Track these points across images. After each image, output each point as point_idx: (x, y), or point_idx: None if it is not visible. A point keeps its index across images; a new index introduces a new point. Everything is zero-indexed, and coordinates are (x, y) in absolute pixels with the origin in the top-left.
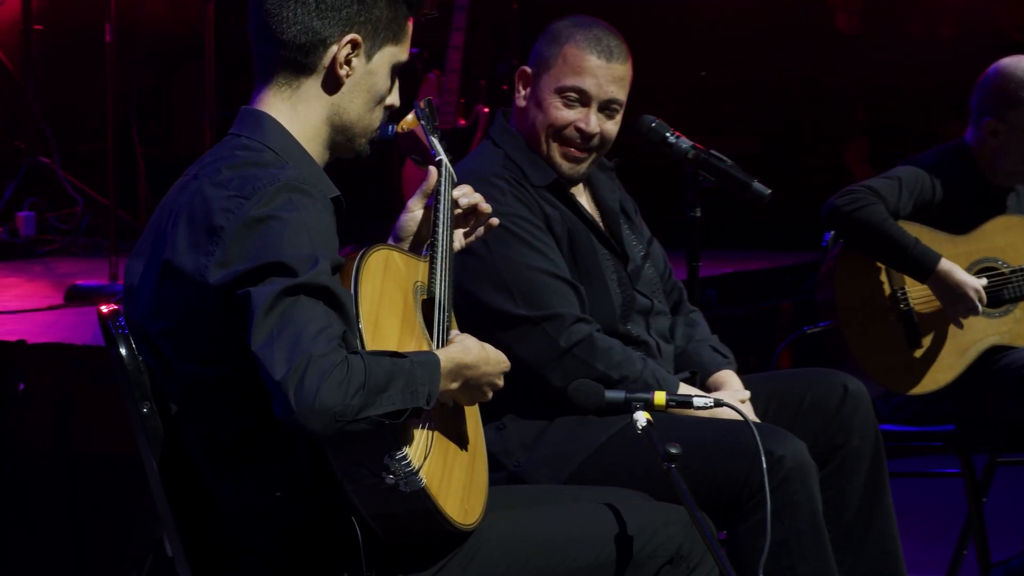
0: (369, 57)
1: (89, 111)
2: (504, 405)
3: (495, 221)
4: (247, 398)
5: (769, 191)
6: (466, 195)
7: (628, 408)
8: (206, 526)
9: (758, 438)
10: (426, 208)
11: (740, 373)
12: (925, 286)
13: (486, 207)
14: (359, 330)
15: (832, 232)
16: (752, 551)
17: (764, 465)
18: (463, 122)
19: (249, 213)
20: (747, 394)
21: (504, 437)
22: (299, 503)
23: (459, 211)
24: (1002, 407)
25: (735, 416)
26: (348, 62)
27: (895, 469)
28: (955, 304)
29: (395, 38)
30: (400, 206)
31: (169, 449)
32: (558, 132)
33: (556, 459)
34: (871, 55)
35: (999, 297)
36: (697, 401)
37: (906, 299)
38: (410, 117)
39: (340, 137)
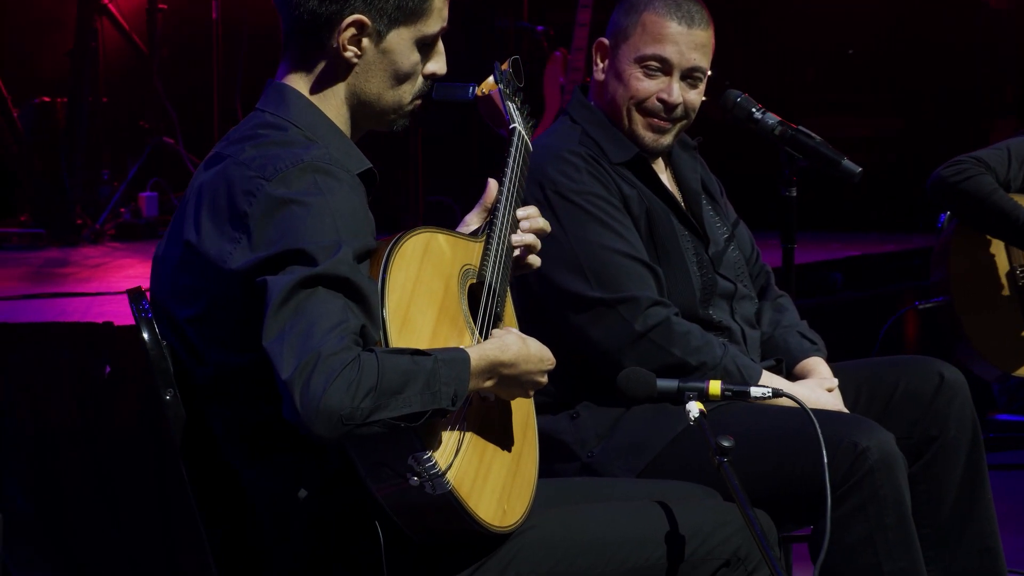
0: (380, 37)
1: (210, 91)
2: (578, 392)
3: (536, 262)
4: (272, 390)
5: (860, 169)
6: (530, 219)
7: (681, 398)
8: (235, 518)
9: (818, 429)
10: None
11: (837, 360)
12: None
13: (545, 226)
14: (384, 324)
15: (947, 212)
16: (837, 547)
17: (825, 460)
18: None
19: (272, 196)
20: (835, 382)
21: (578, 426)
22: (329, 497)
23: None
24: None
25: (824, 405)
26: (356, 43)
27: (1008, 461)
28: None
29: (414, 16)
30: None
31: (194, 437)
32: (640, 104)
33: (631, 450)
34: (1022, 30)
35: None
36: (755, 391)
37: None
38: (489, 80)
39: (365, 116)
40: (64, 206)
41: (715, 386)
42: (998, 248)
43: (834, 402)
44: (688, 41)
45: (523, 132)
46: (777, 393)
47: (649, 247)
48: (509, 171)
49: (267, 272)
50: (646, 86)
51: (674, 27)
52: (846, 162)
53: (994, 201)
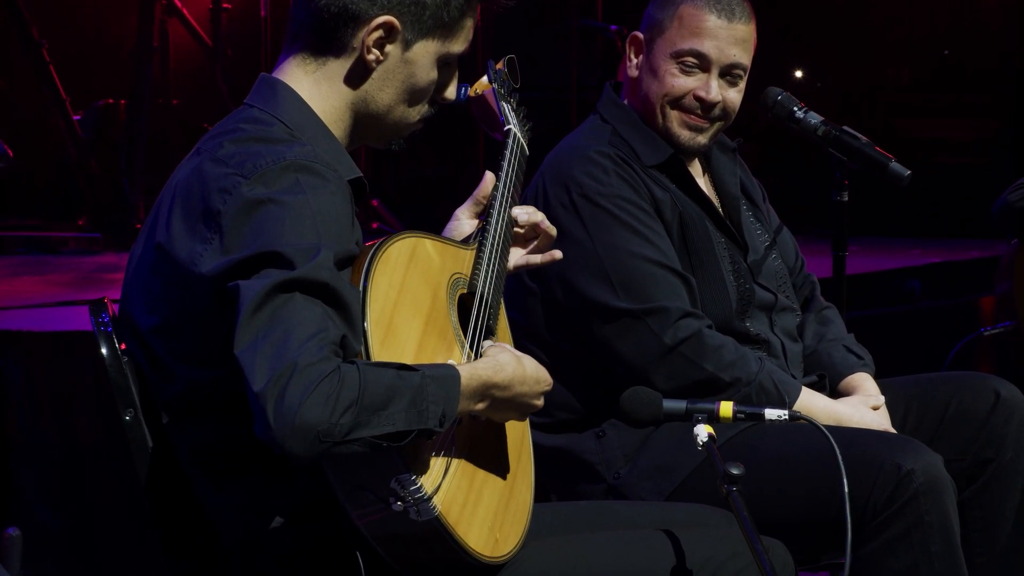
0: (407, 45)
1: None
2: (605, 409)
3: (558, 254)
4: (246, 407)
5: (908, 172)
6: (528, 212)
7: (689, 420)
8: (201, 550)
9: (838, 452)
10: (478, 220)
11: (883, 376)
12: None
13: (549, 228)
14: (365, 334)
15: None
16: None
17: (846, 489)
18: None
19: (248, 195)
20: (881, 399)
21: (604, 446)
22: (304, 526)
23: (519, 230)
24: None
25: (869, 424)
26: (380, 47)
27: None
28: None
29: (445, 30)
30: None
31: (159, 463)
32: (675, 101)
33: (658, 472)
34: None
35: None
36: (769, 413)
37: None
38: (483, 80)
39: (365, 127)
40: (123, 210)
41: (726, 408)
42: None
43: (880, 421)
44: (728, 36)
45: (519, 135)
46: (793, 417)
47: (682, 255)
48: (504, 175)
49: (239, 276)
50: (682, 83)
51: (713, 20)
52: (894, 164)
53: None
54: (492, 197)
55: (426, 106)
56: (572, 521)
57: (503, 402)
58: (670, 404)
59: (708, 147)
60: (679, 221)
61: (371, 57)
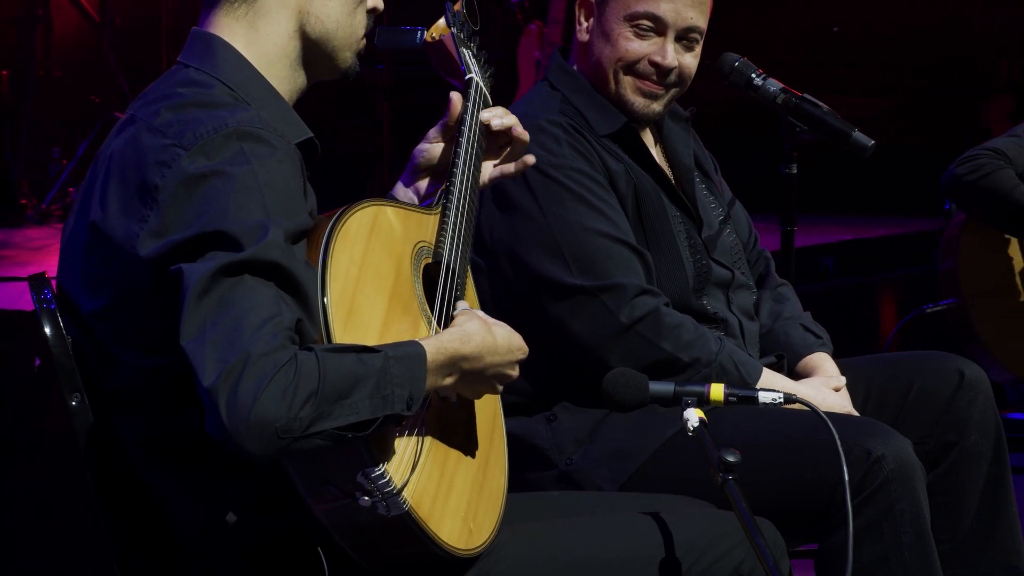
0: None
1: (165, 63)
2: (556, 391)
3: (530, 159)
4: (196, 396)
5: (872, 143)
6: (500, 116)
7: (678, 403)
8: (152, 546)
9: (837, 440)
10: (448, 141)
11: (838, 356)
12: None
13: (523, 134)
14: (325, 316)
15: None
16: (844, 567)
17: (846, 476)
18: None
19: (188, 168)
20: (842, 380)
21: (555, 430)
22: (262, 521)
23: (486, 142)
24: None
25: (830, 407)
26: None
27: (1017, 464)
28: None
29: None
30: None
31: (105, 451)
32: (629, 66)
33: (614, 457)
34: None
35: None
36: (763, 396)
37: None
38: (440, 23)
39: (318, 53)
40: (7, 184)
41: (717, 390)
42: (1012, 245)
43: (842, 403)
44: None
45: (481, 83)
46: (789, 399)
47: (637, 229)
48: (467, 129)
49: (182, 259)
50: (636, 47)
51: None
52: (856, 134)
53: (1016, 197)
54: (455, 154)
55: (365, 15)
56: (546, 509)
57: (473, 375)
58: (657, 387)
59: (662, 115)
60: (634, 193)
61: None
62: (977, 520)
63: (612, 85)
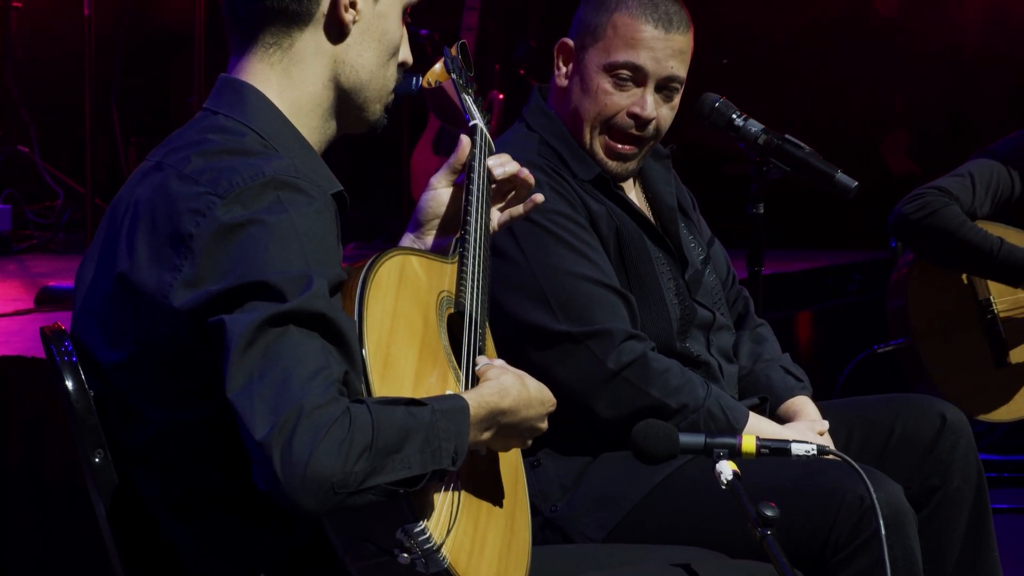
0: None
1: (71, 96)
2: (540, 438)
3: (539, 198)
4: (227, 450)
5: (855, 184)
6: (503, 164)
7: (709, 456)
8: None
9: (872, 491)
10: (455, 187)
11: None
12: (1014, 296)
13: (528, 177)
14: (365, 369)
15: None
16: None
17: (880, 519)
18: None
19: (224, 217)
20: (825, 425)
21: (539, 476)
22: None
23: (494, 185)
24: None
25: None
26: (353, 4)
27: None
28: None
29: None
30: (407, 202)
31: (129, 509)
32: (607, 121)
33: (601, 504)
34: (912, 40)
35: None
36: (796, 448)
37: (992, 311)
38: (438, 68)
39: (349, 104)
40: None
41: (749, 442)
42: (961, 284)
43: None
44: (665, 47)
45: (485, 129)
46: (823, 451)
47: (619, 271)
48: (476, 176)
49: (221, 310)
50: (616, 100)
51: (650, 31)
52: (840, 175)
53: (963, 234)
54: (467, 202)
55: (397, 68)
56: (566, 564)
57: (509, 428)
58: (687, 438)
59: (637, 170)
60: (616, 235)
61: (348, 16)
62: (960, 564)
63: (587, 139)
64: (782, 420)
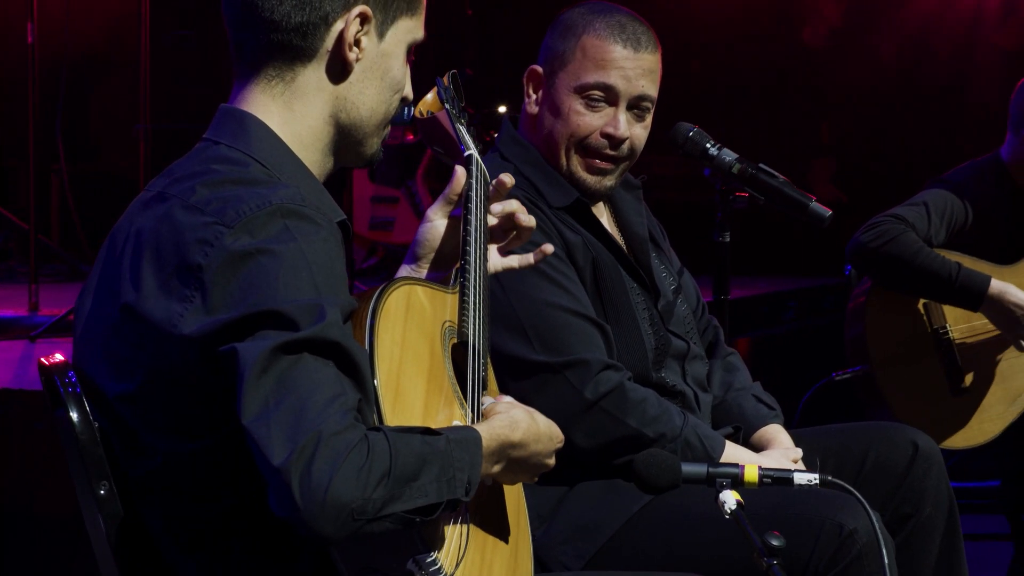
0: (381, 35)
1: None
2: None
3: (548, 248)
4: (234, 479)
5: (829, 213)
6: (501, 202)
7: (711, 485)
8: None
9: (878, 529)
10: (451, 218)
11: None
12: (969, 324)
13: (528, 219)
14: (376, 399)
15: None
16: None
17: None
18: (411, 137)
19: (233, 246)
20: (799, 452)
21: None
22: None
23: (493, 222)
24: None
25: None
26: (357, 42)
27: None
28: (1017, 328)
29: (410, 7)
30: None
31: (132, 540)
32: (581, 141)
33: (579, 533)
34: (838, 69)
35: None
36: (799, 478)
37: (948, 338)
38: (430, 98)
39: (349, 139)
40: None
41: (751, 472)
42: (918, 311)
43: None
44: (635, 67)
45: (480, 160)
46: (824, 483)
47: (595, 302)
48: (474, 207)
49: (232, 338)
50: (589, 120)
51: (619, 51)
52: (814, 204)
53: (922, 261)
54: (465, 232)
55: (396, 106)
56: None
57: (518, 462)
58: (689, 468)
59: (613, 190)
60: (592, 266)
61: (352, 55)
62: None
63: (563, 161)
64: (756, 448)
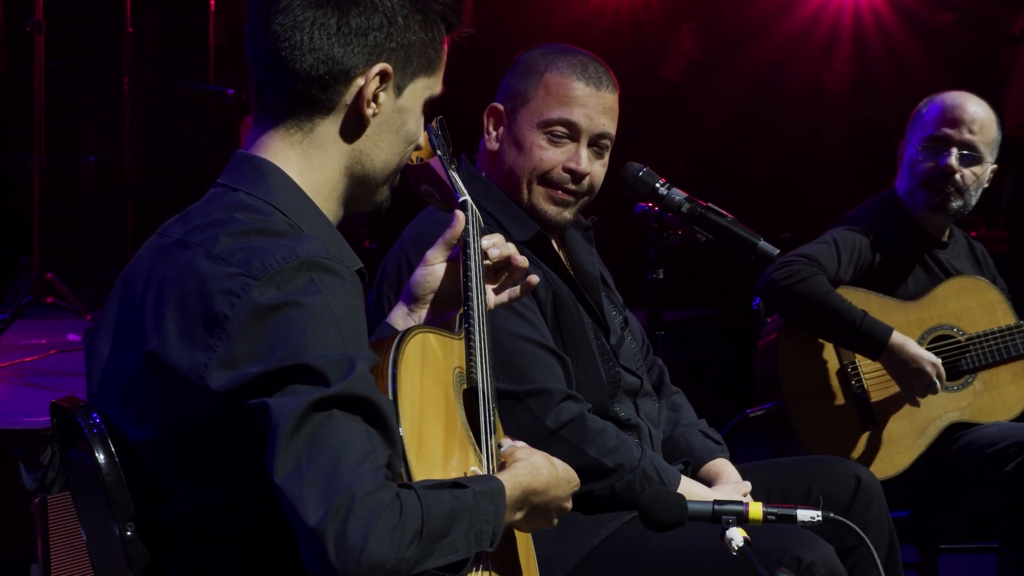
0: (399, 91)
1: None
2: None
3: (534, 279)
4: (256, 534)
5: (777, 251)
6: (497, 245)
7: (717, 522)
8: None
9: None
10: (450, 261)
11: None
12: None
13: (522, 260)
14: (403, 450)
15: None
16: None
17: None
18: None
19: (259, 299)
20: (748, 486)
21: None
22: None
23: (487, 263)
24: (967, 494)
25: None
26: (375, 98)
27: None
28: (911, 381)
29: (429, 66)
30: None
31: None
32: (544, 176)
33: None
34: (693, 104)
35: (956, 368)
36: (802, 515)
37: (858, 374)
38: (421, 141)
39: (361, 189)
40: None
41: (756, 509)
42: (828, 347)
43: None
44: (596, 104)
45: (473, 205)
46: (827, 518)
47: (555, 334)
48: (472, 251)
49: (261, 392)
50: (551, 155)
51: (581, 88)
52: (762, 243)
53: (829, 303)
54: (466, 277)
55: (408, 156)
56: None
57: (539, 508)
58: (696, 506)
59: (571, 223)
60: (553, 299)
61: (369, 111)
62: None
63: (525, 195)
64: (704, 481)
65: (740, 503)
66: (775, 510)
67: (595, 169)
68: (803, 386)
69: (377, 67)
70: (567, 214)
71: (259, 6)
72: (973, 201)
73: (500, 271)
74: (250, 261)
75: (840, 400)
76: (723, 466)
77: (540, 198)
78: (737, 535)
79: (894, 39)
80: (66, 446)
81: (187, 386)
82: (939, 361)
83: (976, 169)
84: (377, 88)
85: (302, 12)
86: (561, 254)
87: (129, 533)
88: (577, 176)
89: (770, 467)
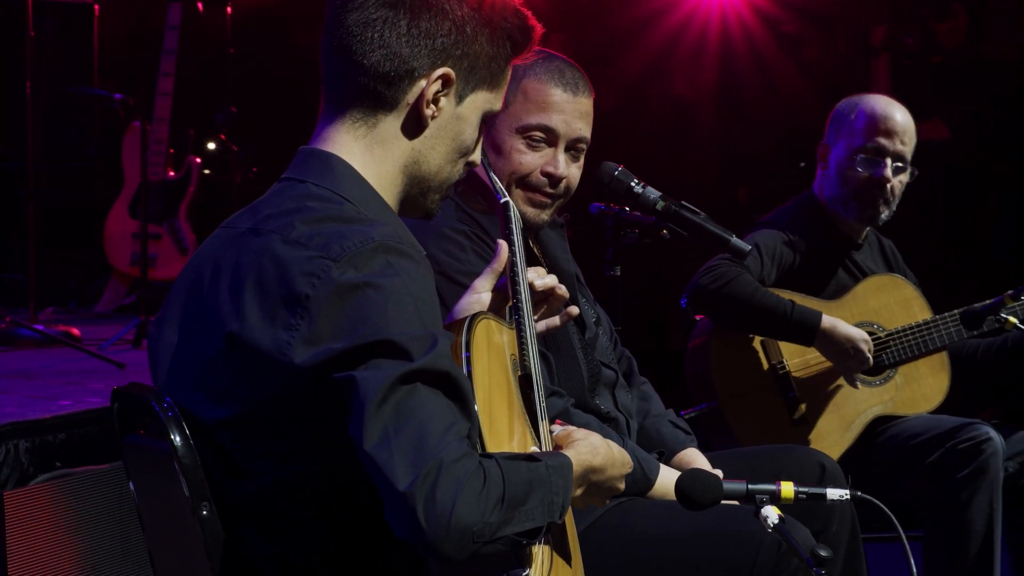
0: (460, 99)
1: None
2: None
3: (574, 311)
4: (338, 505)
5: (749, 248)
6: (541, 276)
7: (751, 502)
8: None
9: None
10: (495, 291)
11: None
12: (803, 358)
13: (563, 291)
14: (478, 425)
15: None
16: None
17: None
18: (173, 174)
19: (340, 279)
20: (719, 473)
21: None
22: None
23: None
24: (893, 485)
25: None
26: (436, 101)
27: None
28: (847, 361)
29: (492, 81)
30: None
31: (234, 565)
32: (523, 179)
33: None
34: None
35: (879, 363)
36: (831, 494)
37: (785, 372)
38: (476, 157)
39: (414, 190)
40: None
41: (787, 489)
42: (757, 346)
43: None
44: (574, 110)
45: (514, 206)
46: (854, 496)
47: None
48: (518, 249)
49: (345, 366)
50: (530, 160)
51: (559, 94)
52: (735, 239)
53: (758, 300)
54: (513, 272)
55: (464, 166)
56: None
57: (596, 486)
58: (730, 486)
59: (547, 223)
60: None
61: (428, 112)
62: None
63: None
64: (678, 471)
65: (774, 483)
66: (806, 489)
67: (572, 172)
68: (736, 386)
69: (440, 70)
70: (544, 215)
71: (336, 3)
72: (895, 207)
73: (540, 302)
74: (328, 245)
75: (769, 397)
76: (694, 455)
77: (519, 200)
78: (772, 513)
79: (761, 49)
80: (124, 432)
81: (269, 363)
82: (869, 337)
83: (903, 177)
84: (438, 92)
85: (375, 10)
86: (536, 251)
87: (205, 512)
88: (555, 180)
89: (738, 455)
